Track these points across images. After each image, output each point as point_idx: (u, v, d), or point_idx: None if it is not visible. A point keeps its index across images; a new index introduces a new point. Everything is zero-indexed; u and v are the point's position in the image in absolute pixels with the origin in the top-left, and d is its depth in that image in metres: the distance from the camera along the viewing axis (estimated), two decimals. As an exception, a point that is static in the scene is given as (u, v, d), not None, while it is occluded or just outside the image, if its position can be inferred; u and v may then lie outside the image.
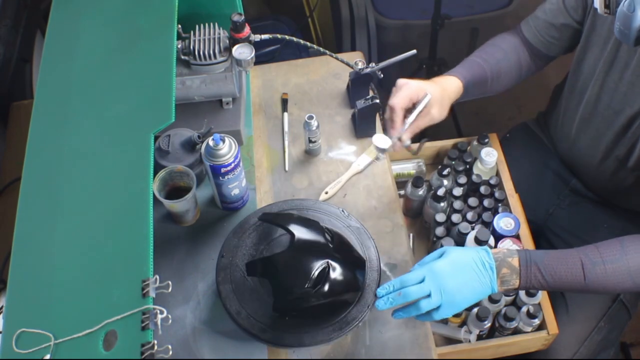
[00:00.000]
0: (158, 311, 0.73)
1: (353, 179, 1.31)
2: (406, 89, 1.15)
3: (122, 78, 1.02)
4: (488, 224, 1.35)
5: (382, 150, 1.16)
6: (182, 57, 1.23)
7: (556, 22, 1.30)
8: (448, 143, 1.57)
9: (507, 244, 1.30)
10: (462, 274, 1.01)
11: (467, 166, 1.49)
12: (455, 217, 1.36)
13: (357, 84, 1.38)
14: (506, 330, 1.30)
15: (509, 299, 1.34)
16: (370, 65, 1.34)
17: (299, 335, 1.02)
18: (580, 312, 1.36)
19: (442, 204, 1.41)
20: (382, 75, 1.33)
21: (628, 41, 1.04)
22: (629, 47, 1.16)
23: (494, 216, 1.34)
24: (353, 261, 1.05)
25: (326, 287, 0.99)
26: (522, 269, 1.02)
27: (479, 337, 1.33)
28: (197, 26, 1.23)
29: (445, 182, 1.45)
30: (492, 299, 1.30)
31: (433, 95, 1.16)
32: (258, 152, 1.36)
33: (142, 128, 0.90)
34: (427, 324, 1.12)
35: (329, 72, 1.49)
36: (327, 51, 1.29)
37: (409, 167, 1.56)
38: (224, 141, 1.10)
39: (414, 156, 1.57)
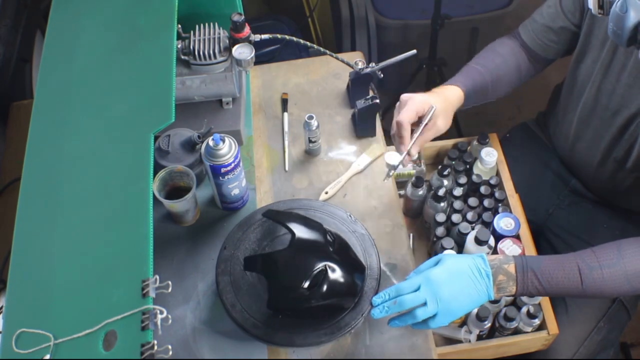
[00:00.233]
0: (158, 311, 0.73)
1: (353, 179, 1.31)
2: (411, 104, 1.14)
3: (122, 78, 1.01)
4: (488, 224, 1.35)
5: (393, 167, 1.17)
6: (182, 57, 1.23)
7: (554, 26, 1.30)
8: (448, 143, 1.57)
9: (507, 244, 1.30)
10: (458, 281, 1.01)
11: (467, 166, 1.49)
12: (456, 217, 1.36)
13: (357, 84, 1.38)
14: (506, 330, 1.30)
15: (509, 299, 1.34)
16: (370, 65, 1.34)
17: (291, 335, 1.01)
18: (580, 312, 1.36)
19: (442, 204, 1.40)
20: (382, 75, 1.33)
21: (621, 41, 1.04)
22: (625, 49, 1.16)
23: (494, 216, 1.34)
24: (352, 266, 1.05)
25: (322, 289, 0.98)
26: (518, 276, 1.02)
27: (479, 337, 1.33)
28: (197, 26, 1.23)
29: (446, 182, 1.45)
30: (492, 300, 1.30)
31: (437, 106, 1.16)
32: (258, 152, 1.36)
33: (142, 128, 0.90)
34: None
35: (329, 72, 1.49)
36: (327, 51, 1.29)
37: (409, 167, 1.56)
38: (224, 141, 1.10)
39: (418, 161, 1.57)
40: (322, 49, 1.29)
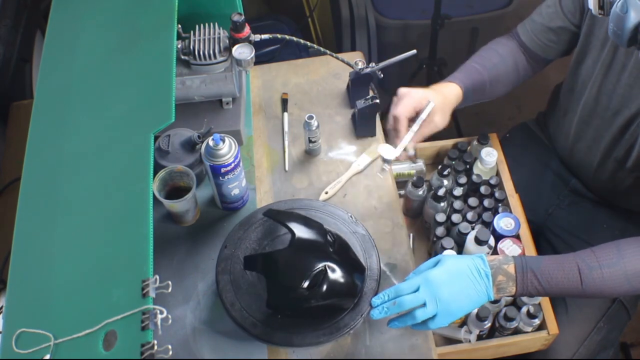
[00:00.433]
0: (158, 311, 0.73)
1: (353, 179, 1.31)
2: (409, 98, 1.15)
3: (122, 78, 1.01)
4: (488, 224, 1.35)
5: (388, 161, 1.16)
6: (182, 57, 1.23)
7: (553, 26, 1.30)
8: (448, 143, 1.57)
9: (507, 244, 1.30)
10: (457, 282, 1.00)
11: (467, 166, 1.49)
12: (456, 217, 1.36)
13: (357, 84, 1.38)
14: (506, 330, 1.30)
15: (509, 299, 1.34)
16: (370, 65, 1.34)
17: (290, 335, 1.01)
18: (580, 312, 1.36)
19: (442, 204, 1.41)
20: (382, 75, 1.33)
21: (621, 42, 1.04)
22: (626, 50, 1.16)
23: (494, 216, 1.34)
24: (352, 266, 1.05)
25: (322, 290, 0.98)
26: (518, 276, 1.02)
27: (479, 337, 1.33)
28: (197, 26, 1.23)
29: (446, 182, 1.45)
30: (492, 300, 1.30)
31: (435, 103, 1.16)
32: (258, 152, 1.36)
33: (142, 128, 0.90)
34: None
35: (329, 72, 1.49)
36: (327, 51, 1.29)
37: (409, 167, 1.56)
38: (224, 141, 1.10)
39: (413, 157, 1.57)
40: (322, 49, 1.29)
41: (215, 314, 1.12)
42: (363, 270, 1.07)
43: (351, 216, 1.15)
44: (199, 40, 1.22)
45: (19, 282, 0.84)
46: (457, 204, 1.38)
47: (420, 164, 1.57)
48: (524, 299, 1.31)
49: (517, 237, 1.33)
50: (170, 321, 0.74)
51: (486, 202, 1.38)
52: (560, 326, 1.31)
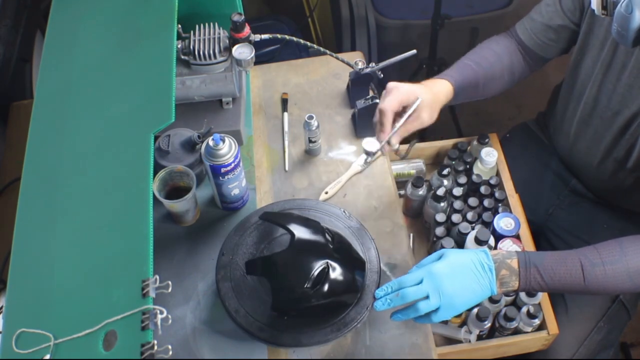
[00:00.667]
0: (158, 311, 0.73)
1: (353, 179, 1.31)
2: (396, 93, 1.13)
3: (122, 78, 1.02)
4: (488, 224, 1.35)
5: (370, 154, 1.14)
6: (182, 57, 1.23)
7: (553, 24, 1.29)
8: (448, 143, 1.57)
9: (507, 244, 1.30)
10: (460, 276, 1.01)
11: (467, 166, 1.49)
12: (455, 217, 1.36)
13: (357, 84, 1.38)
14: (506, 330, 1.30)
15: (509, 299, 1.34)
16: (370, 65, 1.34)
17: (297, 335, 1.02)
18: (580, 312, 1.36)
19: (442, 204, 1.40)
20: (382, 75, 1.33)
21: (626, 42, 1.04)
22: (626, 49, 1.16)
23: (494, 216, 1.34)
24: (353, 262, 1.05)
25: (325, 288, 0.98)
26: (521, 271, 1.02)
27: (479, 337, 1.33)
28: (197, 26, 1.23)
29: (445, 182, 1.45)
30: (492, 299, 1.30)
31: (423, 99, 1.14)
32: (258, 152, 1.36)
33: (142, 128, 0.90)
34: (427, 324, 1.12)
35: (329, 72, 1.49)
36: (327, 51, 1.29)
37: (409, 167, 1.56)
38: (224, 141, 1.10)
39: (413, 157, 1.57)
40: (322, 49, 1.29)
41: (215, 314, 1.12)
42: (364, 265, 1.07)
43: (344, 211, 1.16)
44: (199, 40, 1.22)
45: (19, 282, 0.84)
46: (457, 204, 1.38)
47: (420, 164, 1.57)
48: (524, 299, 1.31)
49: (517, 237, 1.33)
50: (170, 321, 0.74)
51: (486, 202, 1.38)
52: (561, 326, 1.31)
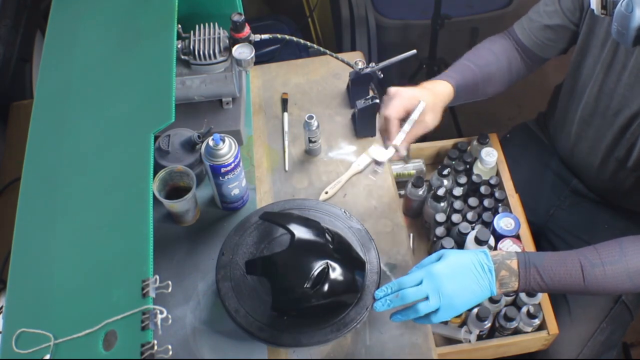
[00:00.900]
0: (158, 311, 0.73)
1: (353, 179, 1.31)
2: (399, 99, 1.13)
3: (121, 78, 1.01)
4: (488, 224, 1.35)
5: (380, 164, 1.12)
6: (182, 57, 1.23)
7: (552, 24, 1.29)
8: (448, 143, 1.57)
9: (507, 244, 1.30)
10: (460, 276, 1.00)
11: (467, 166, 1.49)
12: (456, 217, 1.36)
13: (357, 84, 1.38)
14: (506, 330, 1.30)
15: (509, 299, 1.34)
16: (370, 65, 1.34)
17: (297, 335, 1.02)
18: (583, 313, 1.36)
19: (442, 204, 1.41)
20: (382, 75, 1.33)
21: (626, 42, 1.04)
22: (627, 49, 1.16)
23: (494, 216, 1.34)
24: (353, 262, 1.05)
25: (325, 288, 0.98)
26: (521, 271, 1.02)
27: (479, 337, 1.33)
28: (197, 26, 1.23)
29: (445, 182, 1.45)
30: (492, 299, 1.30)
31: (426, 102, 1.14)
32: (258, 152, 1.36)
33: (142, 128, 0.90)
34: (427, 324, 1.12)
35: (329, 72, 1.49)
36: (327, 51, 1.29)
37: (409, 167, 1.56)
38: (224, 141, 1.10)
39: (413, 157, 1.57)
40: (322, 49, 1.29)
41: (215, 314, 1.12)
42: (363, 265, 1.07)
43: (344, 212, 1.16)
44: (199, 40, 1.22)
45: (19, 282, 0.84)
46: (457, 204, 1.38)
47: (420, 164, 1.57)
48: (524, 299, 1.31)
49: (517, 237, 1.33)
50: (170, 321, 0.74)
51: (486, 202, 1.38)
52: (563, 327, 1.31)
